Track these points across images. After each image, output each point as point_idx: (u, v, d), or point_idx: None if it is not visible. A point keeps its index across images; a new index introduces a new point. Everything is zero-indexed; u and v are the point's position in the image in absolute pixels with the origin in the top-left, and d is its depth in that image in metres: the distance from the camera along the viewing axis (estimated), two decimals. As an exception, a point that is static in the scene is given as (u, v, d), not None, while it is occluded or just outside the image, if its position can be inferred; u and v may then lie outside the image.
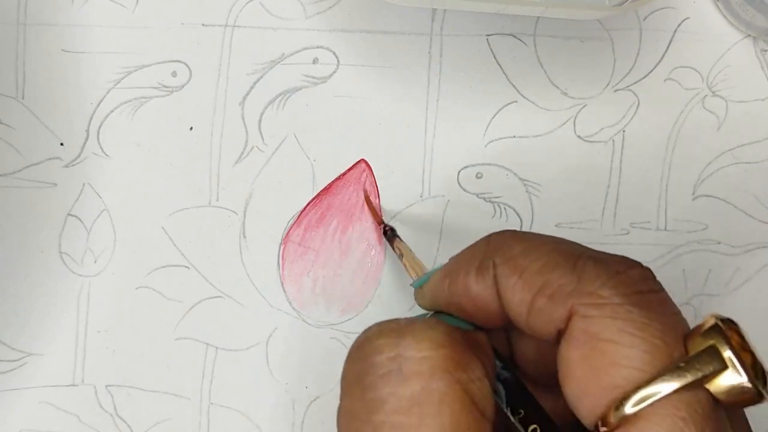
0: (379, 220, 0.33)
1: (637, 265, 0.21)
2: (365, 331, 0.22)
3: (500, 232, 0.24)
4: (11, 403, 0.33)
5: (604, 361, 0.19)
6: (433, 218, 0.34)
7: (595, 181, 0.34)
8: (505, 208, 0.34)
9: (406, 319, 0.22)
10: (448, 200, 0.34)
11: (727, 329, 0.20)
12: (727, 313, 0.35)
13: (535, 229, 0.34)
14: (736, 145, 0.35)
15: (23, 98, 0.33)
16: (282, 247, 0.34)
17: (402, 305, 0.34)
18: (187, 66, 0.33)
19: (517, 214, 0.34)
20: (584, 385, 0.20)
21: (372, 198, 0.34)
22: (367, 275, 0.34)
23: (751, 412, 0.21)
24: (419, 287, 0.26)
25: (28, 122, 0.33)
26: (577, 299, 0.20)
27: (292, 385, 0.34)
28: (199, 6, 0.33)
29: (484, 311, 0.23)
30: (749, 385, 0.19)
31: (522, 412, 0.22)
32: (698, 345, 0.19)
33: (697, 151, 0.35)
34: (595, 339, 0.20)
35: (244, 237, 0.34)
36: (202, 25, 0.33)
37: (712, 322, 0.20)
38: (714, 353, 0.19)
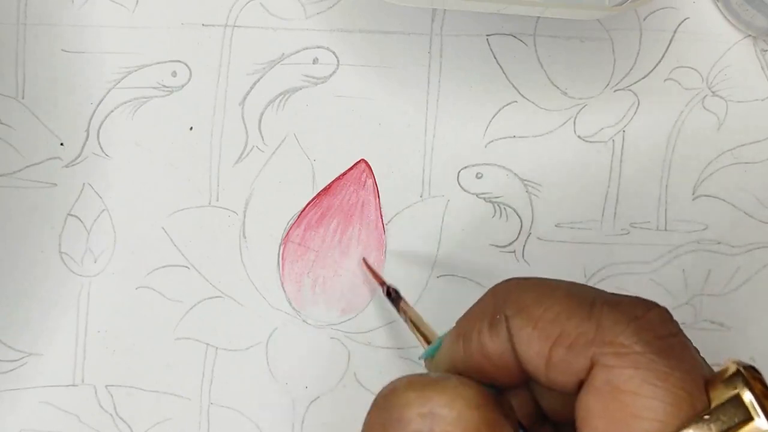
0: (380, 280, 0.32)
1: (654, 306, 0.21)
2: (393, 382, 0.21)
3: (505, 282, 0.23)
4: (11, 403, 0.33)
5: (626, 413, 0.19)
6: (433, 218, 0.34)
7: (595, 181, 0.34)
8: (505, 208, 0.34)
9: (437, 375, 0.21)
10: (448, 200, 0.34)
11: (750, 377, 0.19)
12: (727, 313, 0.35)
13: (535, 229, 0.34)
14: (736, 145, 0.35)
15: (23, 98, 0.33)
16: (282, 247, 0.34)
17: (402, 305, 0.34)
18: (187, 66, 0.33)
19: (517, 214, 0.34)
20: None
21: (372, 198, 0.34)
22: (367, 275, 0.34)
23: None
24: (431, 356, 0.25)
25: (28, 122, 0.33)
26: (599, 348, 0.20)
27: (292, 385, 0.34)
28: (199, 6, 0.33)
29: (503, 369, 0.22)
30: None
31: None
32: (721, 394, 0.19)
33: (697, 151, 0.35)
34: (617, 390, 0.19)
35: (244, 237, 0.34)
36: (202, 25, 0.33)
37: (734, 368, 0.19)
38: (738, 403, 0.19)
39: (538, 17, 0.34)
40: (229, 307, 0.34)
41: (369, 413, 0.21)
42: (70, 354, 0.33)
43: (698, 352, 0.21)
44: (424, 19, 0.34)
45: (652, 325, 0.20)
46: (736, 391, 0.19)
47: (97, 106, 0.33)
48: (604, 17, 0.34)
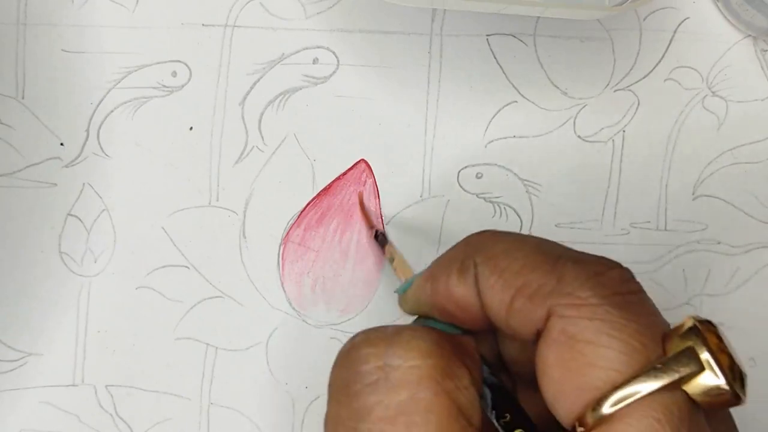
0: (370, 224, 0.33)
1: (617, 266, 0.22)
2: (351, 339, 0.22)
3: (480, 232, 0.24)
4: (11, 403, 0.33)
5: (581, 362, 0.19)
6: (433, 218, 0.34)
7: (595, 181, 0.34)
8: (505, 208, 0.34)
9: (393, 327, 0.22)
10: (448, 200, 0.34)
11: (705, 330, 0.19)
12: (727, 313, 0.35)
13: (535, 229, 0.34)
14: (736, 145, 0.35)
15: (23, 98, 0.33)
16: (282, 247, 0.34)
17: (402, 305, 0.34)
18: (187, 66, 0.33)
19: (517, 214, 0.34)
20: (561, 386, 0.20)
21: (371, 198, 0.34)
22: (367, 275, 0.34)
23: (755, 411, 0.21)
24: (403, 293, 0.26)
25: (28, 122, 0.33)
26: (556, 300, 0.20)
27: (292, 385, 0.34)
28: (199, 6, 0.33)
29: (467, 313, 0.23)
30: (726, 387, 0.19)
31: (507, 416, 0.22)
32: (676, 346, 0.19)
33: (697, 151, 0.35)
34: (573, 339, 0.20)
35: (244, 237, 0.34)
36: (202, 25, 0.33)
37: (690, 323, 0.20)
38: (692, 355, 0.19)
39: (538, 17, 0.34)
40: (229, 307, 0.34)
41: (332, 370, 0.22)
42: (70, 354, 0.33)
43: (659, 311, 0.21)
44: (424, 19, 0.34)
45: (611, 282, 0.21)
46: (690, 344, 0.19)
47: (97, 106, 0.33)
48: (604, 17, 0.34)
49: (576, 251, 0.22)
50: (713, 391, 0.19)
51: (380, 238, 0.32)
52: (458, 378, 0.20)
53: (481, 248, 0.23)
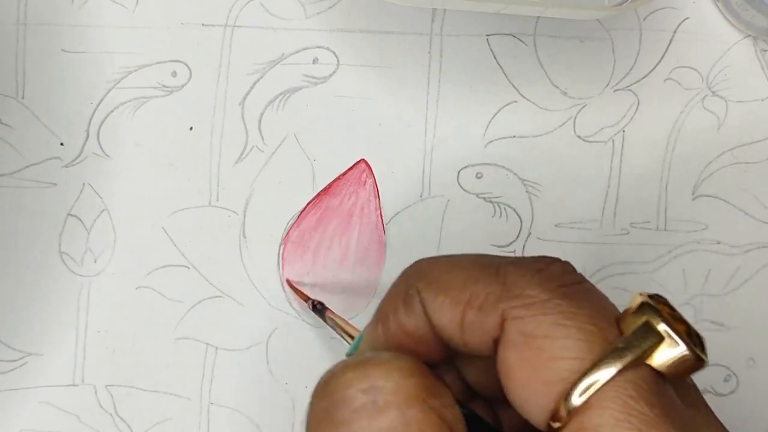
0: (304, 297, 0.33)
1: (556, 260, 0.22)
2: (329, 370, 0.21)
3: (415, 262, 0.23)
4: (11, 403, 0.33)
5: (543, 358, 0.19)
6: (433, 218, 0.34)
7: (595, 181, 0.34)
8: (505, 208, 0.34)
9: (369, 352, 0.22)
10: (448, 200, 0.34)
11: (656, 304, 0.20)
12: (727, 313, 0.35)
13: (535, 229, 0.34)
14: (736, 145, 0.35)
15: (23, 98, 0.33)
16: (282, 247, 0.34)
17: (402, 305, 0.34)
18: (187, 66, 0.33)
19: (517, 214, 0.34)
20: (528, 386, 0.20)
21: (371, 198, 0.34)
22: (367, 275, 0.34)
23: (755, 411, 0.21)
24: (356, 348, 0.25)
25: (28, 122, 0.33)
26: (506, 303, 0.20)
27: (292, 385, 0.34)
28: (199, 6, 0.33)
29: (423, 344, 0.22)
30: (688, 352, 0.19)
31: None
32: (631, 324, 0.20)
33: (697, 151, 0.35)
34: (530, 337, 0.20)
35: (244, 237, 0.34)
36: (202, 25, 0.33)
37: (639, 300, 0.20)
38: (648, 329, 0.19)
39: (538, 17, 0.34)
40: (229, 307, 0.34)
41: (311, 404, 0.21)
42: (70, 354, 0.33)
43: (607, 297, 0.21)
44: (424, 19, 0.34)
45: (554, 276, 0.21)
46: (645, 318, 0.19)
47: (97, 106, 0.33)
48: (604, 17, 0.34)
49: (513, 257, 0.22)
50: (676, 360, 0.19)
51: (319, 308, 0.32)
52: (442, 396, 0.20)
53: (420, 274, 0.22)
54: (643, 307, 0.20)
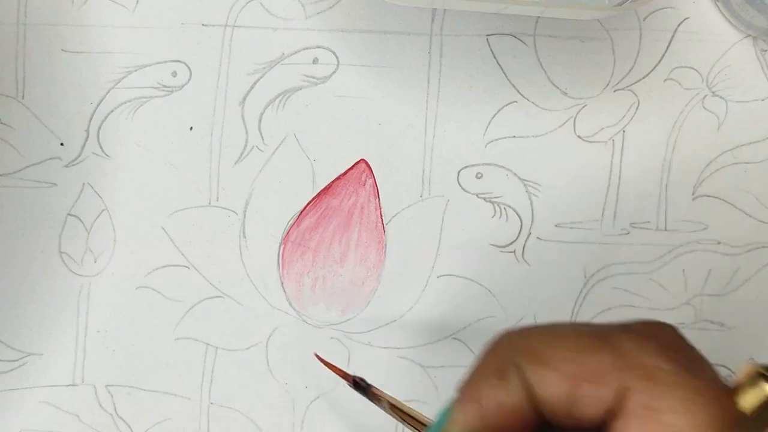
0: (342, 373, 0.31)
1: (664, 324, 0.21)
2: None
3: (503, 334, 0.22)
4: (11, 403, 0.33)
5: None
6: (433, 218, 0.34)
7: (595, 181, 0.34)
8: (505, 208, 0.34)
9: None
10: (448, 200, 0.34)
11: None
12: (727, 313, 0.35)
13: (535, 229, 0.34)
14: (736, 145, 0.35)
15: (23, 98, 0.33)
16: (282, 247, 0.34)
17: (402, 306, 0.34)
18: (187, 66, 0.33)
19: (517, 214, 0.34)
20: None
21: (371, 198, 0.34)
22: (367, 275, 0.34)
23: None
24: (440, 430, 0.23)
25: (28, 122, 0.33)
26: (625, 373, 0.20)
27: (292, 385, 0.34)
28: (199, 6, 0.33)
29: (520, 419, 0.21)
30: None
31: None
32: (751, 398, 0.19)
33: (697, 151, 0.35)
34: (656, 412, 0.19)
35: (244, 237, 0.34)
36: (202, 25, 0.33)
37: (752, 370, 0.20)
38: None
39: (538, 17, 0.34)
40: (229, 307, 0.34)
41: None
42: (70, 354, 0.33)
43: (706, 358, 0.21)
44: (424, 19, 0.34)
45: (669, 342, 0.20)
46: (765, 393, 0.19)
47: (97, 106, 0.33)
48: (604, 17, 0.34)
49: (613, 323, 0.21)
50: None
51: (363, 384, 0.29)
52: None
53: (517, 349, 0.21)
54: (758, 379, 0.19)
